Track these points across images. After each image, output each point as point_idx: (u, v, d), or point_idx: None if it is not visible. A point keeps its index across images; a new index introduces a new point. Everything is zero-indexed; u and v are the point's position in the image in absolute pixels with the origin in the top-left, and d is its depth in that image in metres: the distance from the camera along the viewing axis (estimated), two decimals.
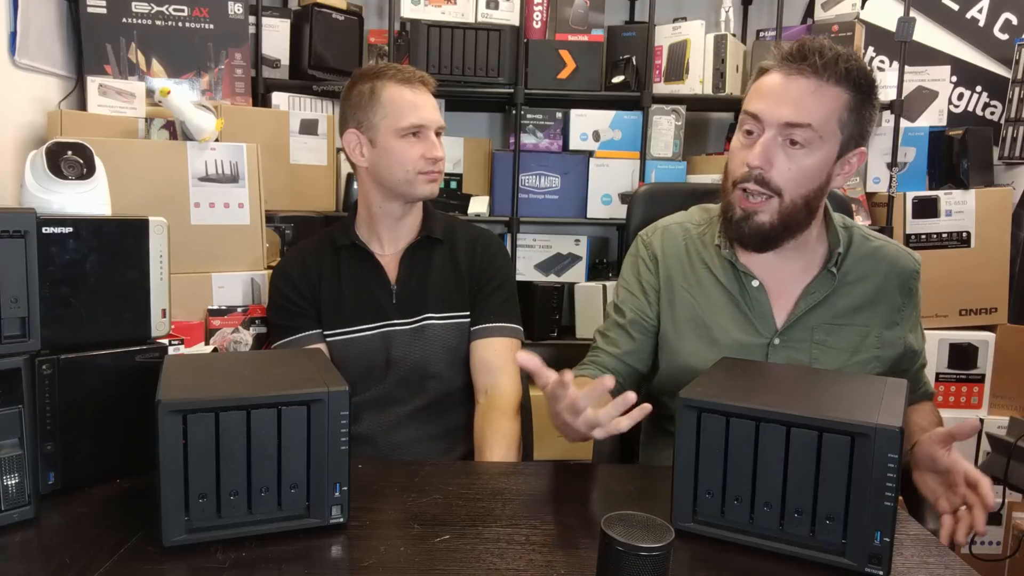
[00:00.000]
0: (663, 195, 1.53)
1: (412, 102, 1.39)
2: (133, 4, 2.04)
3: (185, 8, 2.09)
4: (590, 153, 2.48)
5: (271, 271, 1.55)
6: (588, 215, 2.49)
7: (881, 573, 0.80)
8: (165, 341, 1.16)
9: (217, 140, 1.71)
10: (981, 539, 2.30)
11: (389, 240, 1.46)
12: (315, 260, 1.46)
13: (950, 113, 2.71)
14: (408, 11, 2.35)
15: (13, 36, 1.79)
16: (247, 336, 1.65)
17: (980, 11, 2.72)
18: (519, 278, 2.20)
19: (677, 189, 1.79)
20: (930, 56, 2.71)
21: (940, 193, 2.43)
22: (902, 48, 2.39)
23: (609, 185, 2.48)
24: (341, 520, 0.89)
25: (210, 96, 2.12)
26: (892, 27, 2.46)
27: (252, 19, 2.24)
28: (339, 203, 2.26)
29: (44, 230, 0.94)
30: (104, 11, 2.02)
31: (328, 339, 1.43)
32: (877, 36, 2.70)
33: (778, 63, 1.08)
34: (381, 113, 1.38)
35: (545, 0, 2.43)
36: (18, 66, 1.82)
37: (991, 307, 2.42)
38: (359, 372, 1.40)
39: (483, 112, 2.81)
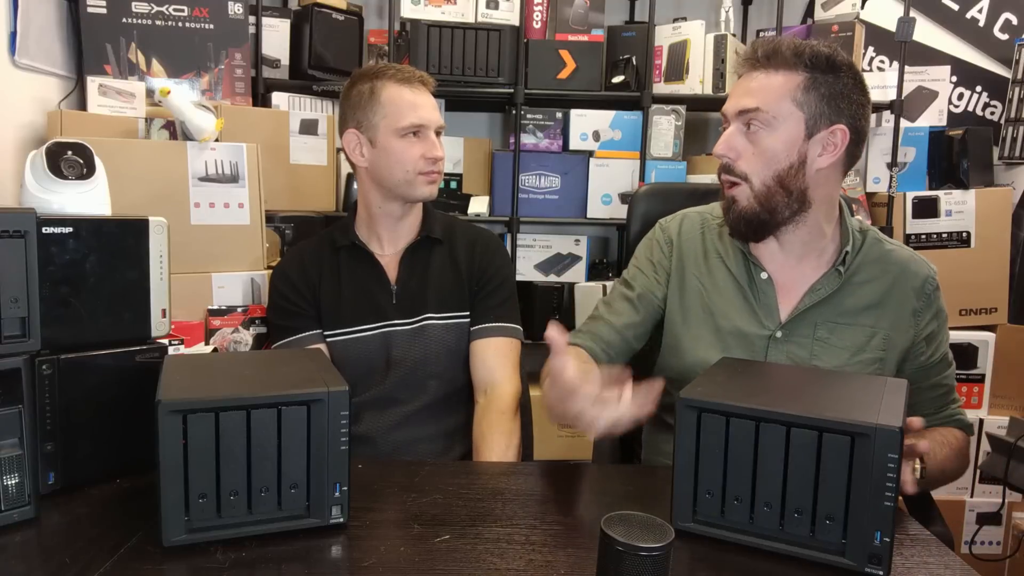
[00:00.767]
0: (664, 195, 1.53)
1: (412, 102, 1.39)
2: (133, 4, 2.04)
3: (185, 8, 2.09)
4: (590, 153, 2.48)
5: (271, 271, 1.55)
6: (588, 215, 2.49)
7: (881, 573, 0.80)
8: (165, 341, 1.16)
9: (217, 140, 1.71)
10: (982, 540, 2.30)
11: (389, 240, 1.46)
12: (315, 260, 1.46)
13: (950, 113, 2.71)
14: (408, 11, 2.35)
15: (13, 36, 1.79)
16: (247, 336, 1.65)
17: (980, 11, 2.72)
18: (519, 278, 2.21)
19: (678, 189, 1.79)
20: (930, 56, 2.71)
21: (940, 193, 2.43)
22: (902, 48, 2.39)
23: (609, 185, 2.48)
24: (341, 520, 0.89)
25: (210, 96, 2.12)
26: (892, 27, 2.46)
27: (252, 19, 2.24)
28: (339, 203, 2.26)
29: (44, 230, 0.94)
30: (104, 11, 2.02)
31: (328, 339, 1.43)
32: (877, 36, 2.70)
33: (739, 68, 1.19)
34: (381, 113, 1.38)
35: (545, 0, 2.43)
36: (18, 66, 1.82)
37: (991, 307, 2.42)
38: (359, 372, 1.40)
39: (483, 112, 2.81)
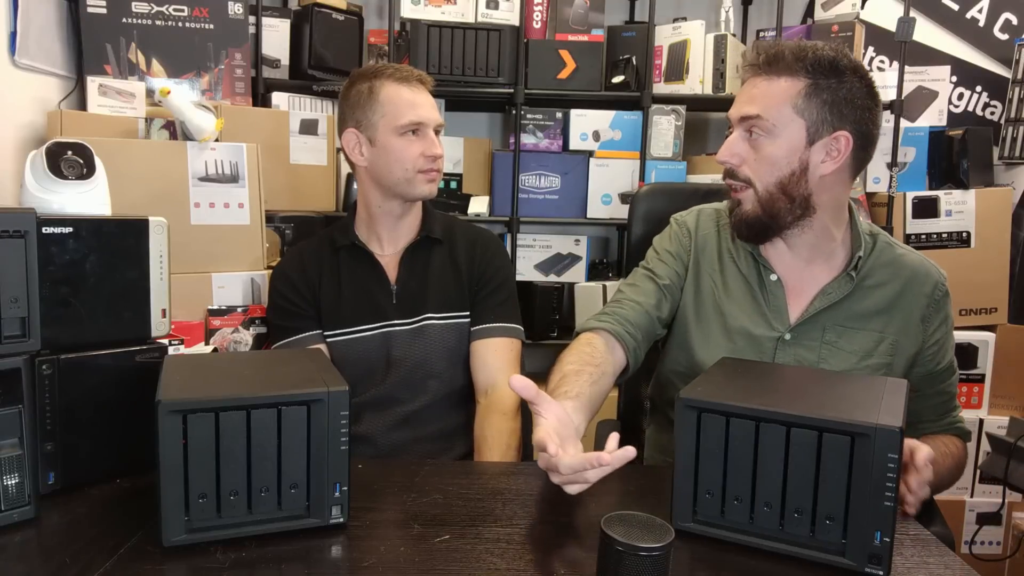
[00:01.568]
0: (665, 195, 1.53)
1: (410, 100, 1.39)
2: (133, 4, 2.04)
3: (185, 8, 2.09)
4: (590, 153, 2.48)
5: (271, 271, 1.55)
6: (588, 215, 2.49)
7: (881, 573, 0.80)
8: (165, 341, 1.16)
9: (217, 140, 1.71)
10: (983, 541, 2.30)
11: (389, 240, 1.46)
12: (314, 261, 1.46)
13: (950, 113, 2.71)
14: (408, 11, 2.35)
15: (13, 36, 1.79)
16: (247, 336, 1.65)
17: (980, 11, 2.72)
18: (519, 278, 2.21)
19: (678, 189, 1.79)
20: (930, 56, 2.70)
21: (940, 193, 2.43)
22: (902, 48, 2.39)
23: (609, 185, 2.48)
24: (341, 520, 0.88)
25: (210, 96, 2.12)
26: (892, 27, 2.46)
27: (252, 19, 2.24)
28: (339, 203, 2.26)
29: (44, 230, 0.94)
30: (104, 11, 2.02)
31: (328, 339, 1.43)
32: (877, 36, 2.70)
33: (742, 72, 1.20)
34: (380, 112, 1.38)
35: (545, 0, 2.43)
36: (18, 66, 1.82)
37: (991, 307, 2.42)
38: (359, 372, 1.40)
39: (483, 112, 2.81)
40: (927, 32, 2.70)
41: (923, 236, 2.41)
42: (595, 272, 2.61)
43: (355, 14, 2.44)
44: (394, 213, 1.45)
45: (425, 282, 1.44)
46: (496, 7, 2.39)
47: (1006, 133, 2.52)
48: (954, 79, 2.71)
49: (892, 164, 2.43)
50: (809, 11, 2.72)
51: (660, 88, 2.48)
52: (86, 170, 1.18)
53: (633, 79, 2.44)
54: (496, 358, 1.42)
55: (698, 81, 2.45)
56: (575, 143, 2.47)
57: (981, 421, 2.35)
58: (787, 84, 1.12)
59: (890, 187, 2.43)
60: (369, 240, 1.46)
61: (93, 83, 1.90)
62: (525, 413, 1.45)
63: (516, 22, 2.39)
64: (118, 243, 1.02)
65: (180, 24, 2.09)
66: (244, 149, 1.72)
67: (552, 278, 2.56)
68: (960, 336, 2.37)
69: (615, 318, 1.23)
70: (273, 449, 0.85)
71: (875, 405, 0.84)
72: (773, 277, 1.22)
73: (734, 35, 2.50)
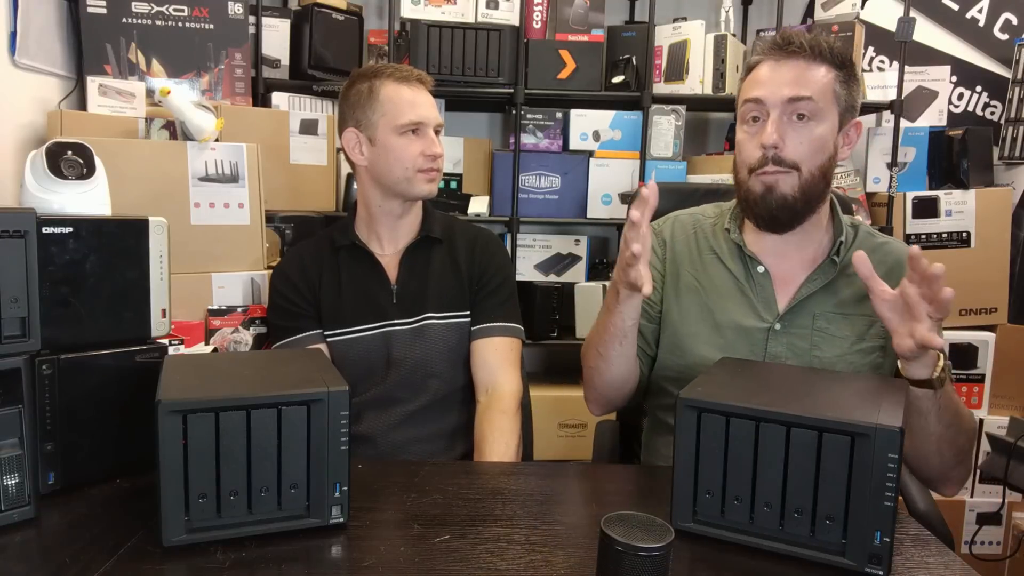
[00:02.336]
0: (664, 195, 1.52)
1: (410, 100, 1.39)
2: (133, 4, 2.04)
3: (185, 8, 2.09)
4: (590, 153, 2.48)
5: (271, 271, 1.55)
6: (588, 215, 2.49)
7: (881, 573, 0.80)
8: (165, 341, 1.16)
9: (217, 140, 1.71)
10: (983, 542, 2.30)
11: (389, 240, 1.46)
12: (315, 260, 1.46)
13: (950, 113, 2.71)
14: (408, 11, 2.35)
15: (13, 36, 1.79)
16: (247, 336, 1.65)
17: (980, 11, 2.72)
18: (519, 278, 2.21)
19: (677, 188, 1.79)
20: (930, 56, 2.71)
21: (940, 193, 2.43)
22: (902, 48, 2.39)
23: (609, 185, 2.48)
24: (341, 520, 0.89)
25: (210, 96, 2.12)
26: (892, 27, 2.46)
27: (252, 19, 2.24)
28: (339, 203, 2.26)
29: (44, 230, 0.94)
30: (104, 11, 2.02)
31: (328, 339, 1.43)
32: (877, 36, 2.70)
33: (766, 54, 1.17)
34: (380, 111, 1.39)
35: (545, 0, 2.43)
36: (18, 66, 1.82)
37: (991, 307, 2.42)
38: (360, 372, 1.40)
39: (483, 112, 2.81)
40: (927, 32, 2.71)
41: (923, 236, 2.41)
42: (595, 272, 2.61)
43: (355, 14, 2.44)
44: (394, 213, 1.45)
45: (425, 282, 1.44)
46: (496, 7, 2.39)
47: (1006, 133, 2.52)
48: (954, 79, 2.71)
49: (892, 164, 2.43)
50: (809, 11, 2.72)
51: (660, 88, 2.48)
52: (86, 170, 1.18)
53: (633, 79, 2.44)
54: (497, 357, 1.42)
55: (698, 81, 2.45)
56: (575, 143, 2.47)
57: (981, 421, 2.35)
58: (826, 71, 1.14)
59: (890, 187, 2.43)
60: (369, 240, 1.46)
61: (93, 83, 1.90)
62: (525, 412, 1.46)
63: (516, 22, 2.39)
64: (118, 243, 1.02)
65: (180, 24, 2.09)
66: (244, 149, 1.72)
67: (552, 278, 2.56)
68: (960, 336, 2.37)
69: None
70: (273, 449, 0.85)
71: (875, 405, 0.84)
72: (760, 269, 1.22)
73: (734, 35, 2.50)
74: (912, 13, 2.39)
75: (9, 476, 0.87)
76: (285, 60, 2.36)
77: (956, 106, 2.75)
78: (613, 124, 2.47)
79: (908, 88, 2.56)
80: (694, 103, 2.52)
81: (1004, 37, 2.71)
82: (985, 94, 2.74)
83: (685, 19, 2.49)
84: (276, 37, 2.34)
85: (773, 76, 1.14)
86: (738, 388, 0.93)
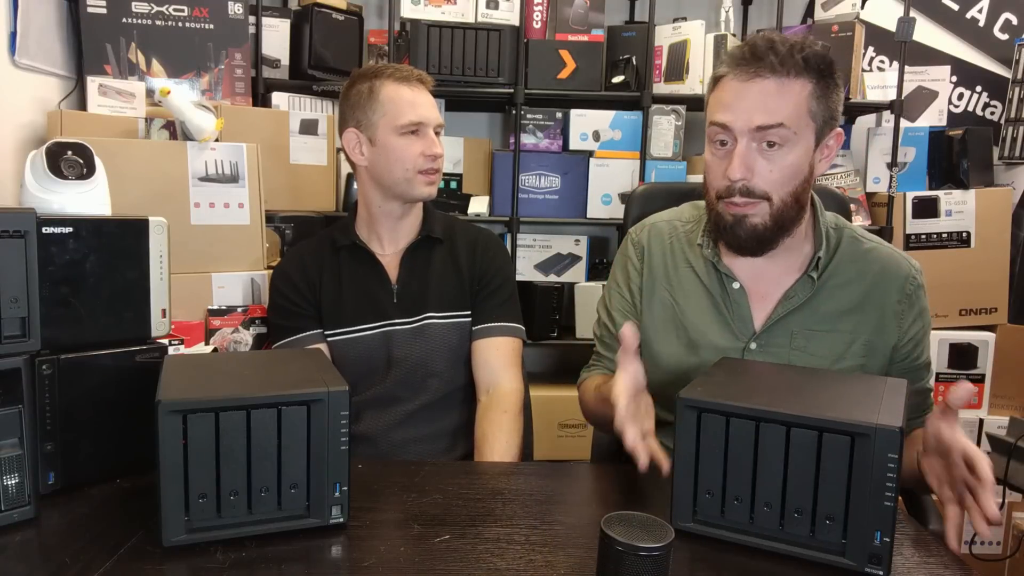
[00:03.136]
0: (661, 195, 1.53)
1: (411, 100, 1.39)
2: (133, 4, 2.04)
3: (185, 8, 2.09)
4: (590, 153, 2.48)
5: (271, 271, 1.55)
6: (588, 215, 2.49)
7: (881, 573, 0.80)
8: (165, 341, 1.16)
9: (217, 140, 1.71)
10: (982, 540, 2.30)
11: (389, 240, 1.47)
12: (315, 260, 1.46)
13: (950, 113, 2.71)
14: (408, 11, 2.35)
15: (13, 36, 1.79)
16: (247, 336, 1.65)
17: (980, 11, 2.72)
18: (519, 278, 2.20)
19: (675, 188, 1.78)
20: (930, 56, 2.71)
21: (940, 193, 2.43)
22: (902, 48, 2.40)
23: (609, 185, 2.48)
24: (341, 520, 0.89)
25: (210, 96, 2.12)
26: (892, 27, 2.47)
27: (252, 19, 2.24)
28: (339, 203, 2.26)
29: (44, 230, 0.94)
30: (104, 11, 2.02)
31: (329, 339, 1.43)
32: (877, 36, 2.70)
33: (733, 69, 1.06)
34: (380, 112, 1.39)
35: (545, 0, 2.43)
36: (18, 66, 1.82)
37: (991, 307, 2.42)
38: (360, 372, 1.41)
39: (483, 112, 2.81)
40: (927, 32, 2.71)
41: (923, 236, 2.41)
42: (595, 272, 2.61)
43: (355, 14, 2.44)
44: (394, 213, 1.45)
45: (426, 281, 1.44)
46: (496, 7, 2.39)
47: (1006, 133, 2.52)
48: (954, 79, 2.71)
49: (892, 164, 2.43)
50: (809, 11, 2.72)
51: (660, 88, 2.48)
52: (86, 170, 1.18)
53: (633, 79, 2.44)
54: (498, 357, 1.42)
55: (698, 81, 2.45)
56: (575, 143, 2.47)
57: (981, 421, 2.35)
58: (800, 86, 1.04)
59: (890, 187, 2.43)
60: (370, 240, 1.47)
61: (93, 83, 1.90)
62: (525, 412, 1.46)
63: (516, 22, 2.39)
64: (118, 243, 1.02)
65: (180, 24, 2.09)
66: (244, 149, 1.72)
67: (552, 278, 2.56)
68: (960, 336, 2.37)
69: (604, 369, 1.27)
70: (273, 449, 0.85)
71: (875, 405, 0.84)
72: (735, 285, 1.17)
73: (734, 35, 2.51)
74: (912, 13, 2.39)
75: (9, 476, 0.87)
76: (285, 60, 2.36)
77: (956, 106, 2.75)
78: (613, 124, 2.47)
79: (908, 88, 2.56)
80: (694, 103, 2.52)
81: (1004, 37, 2.71)
82: (985, 94, 2.74)
83: (685, 19, 2.50)
84: (276, 37, 2.34)
85: (740, 98, 1.05)
86: (738, 388, 0.93)
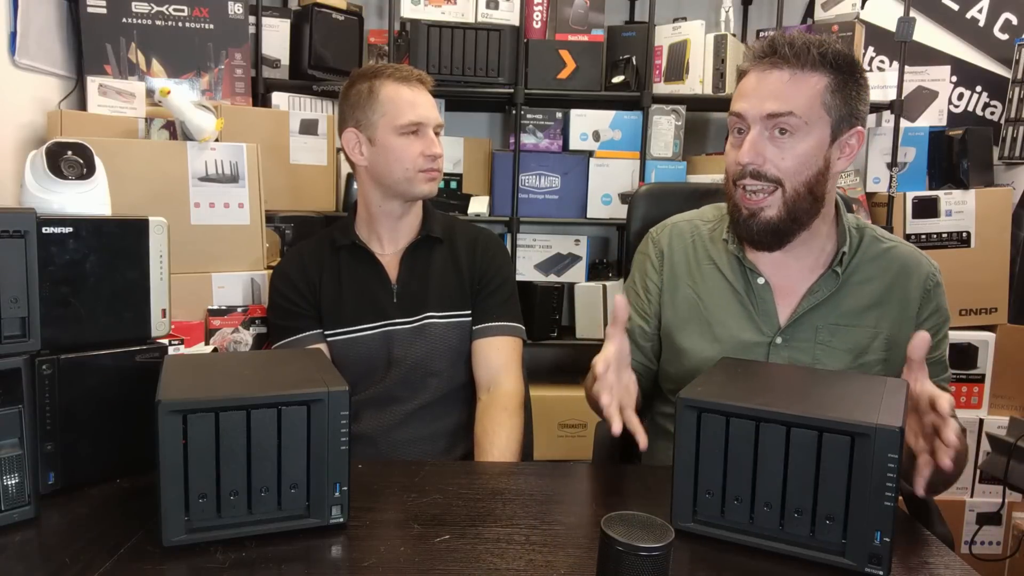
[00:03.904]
0: (663, 195, 1.53)
1: (410, 100, 1.39)
2: (133, 4, 2.04)
3: (185, 8, 2.09)
4: (590, 153, 2.48)
5: (271, 271, 1.55)
6: (588, 215, 2.49)
7: (881, 573, 0.80)
8: (165, 341, 1.16)
9: (217, 140, 1.71)
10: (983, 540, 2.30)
11: (389, 240, 1.47)
12: (315, 260, 1.46)
13: (950, 113, 2.71)
14: (408, 11, 2.35)
15: (13, 36, 1.79)
16: (247, 336, 1.65)
17: (980, 11, 2.72)
18: (519, 278, 2.20)
19: (678, 189, 1.79)
20: (930, 56, 2.71)
21: (940, 193, 2.43)
22: (902, 48, 2.39)
23: (609, 185, 2.48)
24: (341, 520, 0.89)
25: (210, 96, 2.12)
26: (892, 27, 2.46)
27: (252, 19, 2.24)
28: (339, 203, 2.26)
29: (44, 230, 0.94)
30: (104, 11, 2.02)
31: (329, 339, 1.43)
32: (877, 36, 2.70)
33: (752, 62, 1.11)
34: (380, 111, 1.39)
35: (545, 0, 2.43)
36: (18, 66, 1.82)
37: (991, 307, 2.42)
38: (360, 372, 1.41)
39: (483, 112, 2.81)
40: (927, 32, 2.71)
41: (923, 236, 2.41)
42: (595, 272, 2.61)
43: (355, 14, 2.44)
44: (394, 213, 1.45)
45: (426, 281, 1.44)
46: (496, 7, 2.39)
47: (1006, 133, 2.52)
48: (954, 79, 2.71)
49: (892, 164, 2.43)
50: (809, 11, 2.72)
51: (660, 88, 2.48)
52: (86, 170, 1.18)
53: (633, 79, 2.44)
54: (498, 356, 1.42)
55: (698, 81, 2.45)
56: (575, 143, 2.47)
57: (981, 421, 2.35)
58: (815, 79, 1.07)
59: (890, 187, 2.43)
60: (370, 240, 1.47)
61: (93, 83, 1.90)
62: (525, 412, 1.46)
63: (516, 22, 2.39)
64: (118, 243, 1.02)
65: (180, 24, 2.09)
66: (244, 149, 1.72)
67: (552, 278, 2.56)
68: (960, 336, 2.37)
69: None
70: (273, 449, 0.85)
71: (875, 405, 0.84)
72: (760, 280, 1.19)
73: (734, 35, 2.50)
74: (912, 13, 2.39)
75: (9, 476, 0.87)
76: (285, 60, 2.36)
77: (956, 106, 2.75)
78: (613, 124, 2.47)
79: (908, 88, 2.56)
80: (694, 103, 2.52)
81: (1004, 37, 2.71)
82: (985, 94, 2.74)
83: (685, 19, 2.49)
84: (276, 37, 2.34)
85: (756, 89, 1.10)
86: (738, 388, 0.93)
